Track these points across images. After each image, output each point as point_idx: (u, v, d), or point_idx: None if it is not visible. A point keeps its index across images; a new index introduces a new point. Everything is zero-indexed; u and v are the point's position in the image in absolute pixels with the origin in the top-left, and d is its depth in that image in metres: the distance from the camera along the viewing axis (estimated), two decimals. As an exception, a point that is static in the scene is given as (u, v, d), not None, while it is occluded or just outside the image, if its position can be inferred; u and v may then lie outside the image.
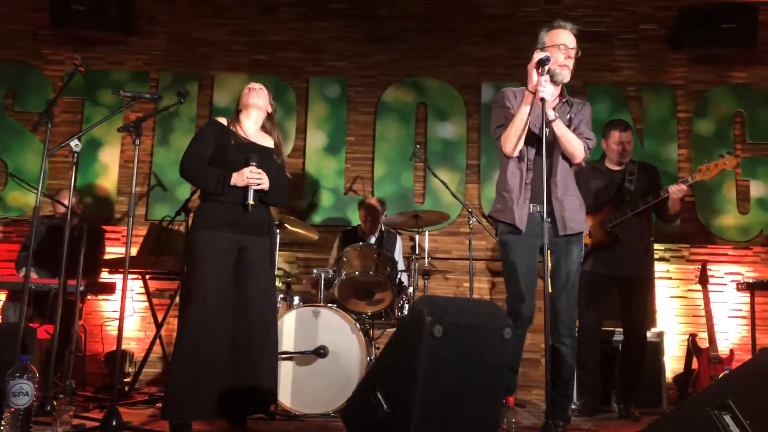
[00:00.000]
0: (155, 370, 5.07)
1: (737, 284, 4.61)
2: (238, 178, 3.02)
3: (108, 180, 5.50)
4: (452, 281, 5.32)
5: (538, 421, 3.55)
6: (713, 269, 5.09)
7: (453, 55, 5.66)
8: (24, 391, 2.41)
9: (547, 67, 2.86)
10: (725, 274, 5.26)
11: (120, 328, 3.04)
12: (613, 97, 5.56)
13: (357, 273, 4.01)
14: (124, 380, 4.57)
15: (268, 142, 3.27)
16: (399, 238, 4.94)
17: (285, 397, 3.62)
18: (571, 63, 3.05)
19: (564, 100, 3.14)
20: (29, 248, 3.26)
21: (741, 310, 5.16)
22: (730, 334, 5.14)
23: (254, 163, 3.04)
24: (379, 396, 2.35)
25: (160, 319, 4.53)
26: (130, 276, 4.52)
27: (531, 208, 3.03)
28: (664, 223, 4.28)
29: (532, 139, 3.02)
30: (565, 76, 3.05)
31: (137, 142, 3.09)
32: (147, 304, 4.76)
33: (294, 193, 5.39)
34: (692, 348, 4.53)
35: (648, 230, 4.17)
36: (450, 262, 5.30)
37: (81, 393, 4.15)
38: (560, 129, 2.98)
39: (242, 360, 2.97)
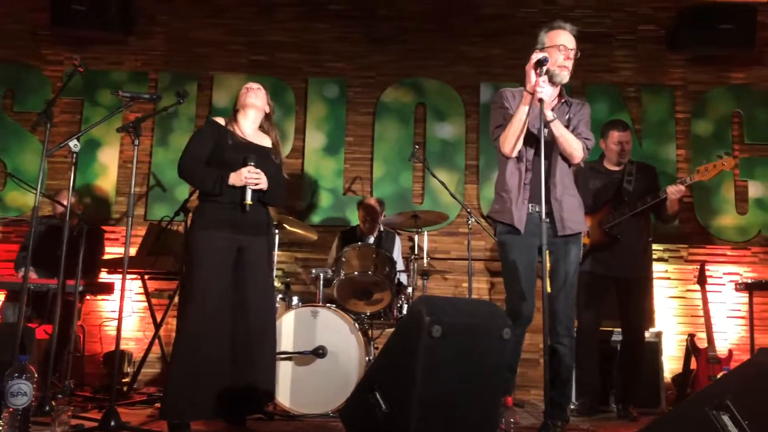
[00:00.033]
0: (154, 371, 5.07)
1: (736, 284, 4.62)
2: (236, 178, 3.02)
3: (107, 180, 5.49)
4: (451, 281, 5.32)
5: (536, 421, 3.55)
6: (712, 269, 5.10)
7: (452, 56, 5.67)
8: (22, 391, 2.41)
9: (545, 68, 2.87)
10: (724, 274, 5.26)
11: (119, 329, 3.04)
12: (611, 98, 5.56)
13: (356, 273, 4.02)
14: (123, 380, 4.57)
15: (266, 141, 3.26)
16: (398, 238, 4.95)
17: (284, 397, 3.62)
18: (570, 64, 3.05)
19: (563, 101, 3.14)
20: (28, 248, 3.26)
21: (739, 310, 5.16)
22: (729, 335, 5.15)
23: (252, 163, 3.03)
24: (378, 396, 2.35)
25: (159, 319, 4.52)
26: (129, 276, 4.53)
27: (530, 208, 3.04)
28: (662, 223, 4.28)
29: (531, 139, 3.02)
30: (564, 77, 3.06)
31: (136, 142, 3.09)
32: (146, 304, 4.76)
33: (293, 194, 5.39)
34: (691, 348, 4.53)
35: (646, 230, 4.17)
36: (449, 262, 5.30)
37: (80, 393, 4.15)
38: (558, 129, 2.98)
39: (241, 360, 2.97)
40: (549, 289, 2.80)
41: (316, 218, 5.46)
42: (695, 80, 5.60)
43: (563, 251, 3.06)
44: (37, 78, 5.58)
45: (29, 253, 3.25)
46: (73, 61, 3.39)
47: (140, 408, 3.77)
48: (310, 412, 3.61)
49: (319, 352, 3.67)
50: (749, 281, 4.54)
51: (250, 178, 3.02)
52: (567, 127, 3.06)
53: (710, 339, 4.41)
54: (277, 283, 4.26)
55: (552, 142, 3.01)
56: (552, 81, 3.02)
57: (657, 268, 5.16)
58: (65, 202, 3.80)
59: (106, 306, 5.23)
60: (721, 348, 4.54)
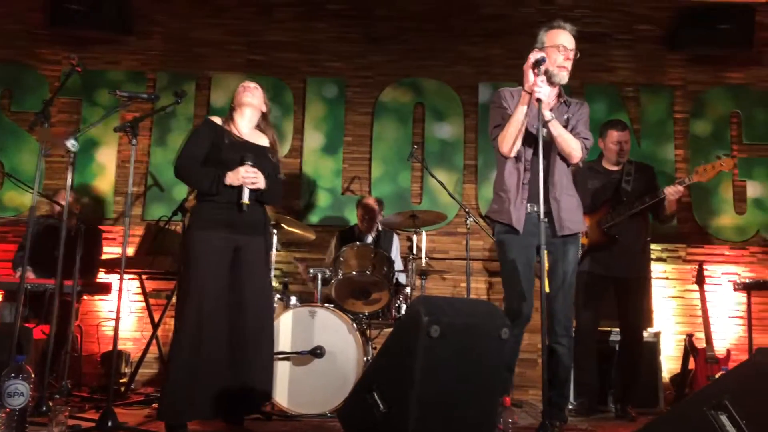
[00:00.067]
0: (152, 371, 5.05)
1: (734, 284, 4.62)
2: (233, 178, 3.01)
3: (105, 180, 5.48)
4: (449, 281, 5.32)
5: (534, 421, 3.54)
6: (710, 269, 5.09)
7: (450, 56, 5.66)
8: (19, 391, 2.40)
9: (543, 68, 2.86)
10: (722, 274, 5.27)
11: (116, 329, 3.03)
12: (610, 98, 5.56)
13: (354, 273, 4.01)
14: (121, 381, 4.57)
15: (262, 140, 3.25)
16: (396, 237, 4.94)
17: (282, 397, 3.62)
18: (569, 64, 3.05)
19: (562, 101, 3.14)
20: (26, 248, 3.25)
21: (738, 310, 5.17)
22: (727, 334, 5.15)
23: (249, 163, 3.02)
24: (376, 396, 2.35)
25: (156, 319, 4.51)
26: (126, 276, 4.54)
27: (528, 208, 3.03)
28: (660, 223, 4.28)
29: (530, 139, 3.02)
30: (563, 77, 3.05)
31: (134, 142, 3.08)
32: (144, 304, 4.75)
33: (291, 193, 5.39)
34: (689, 348, 4.54)
35: (645, 230, 4.17)
36: (447, 262, 5.30)
37: (77, 393, 4.14)
38: (557, 129, 2.98)
39: (238, 360, 2.96)
40: (547, 289, 2.80)
41: (314, 218, 5.46)
42: (694, 80, 5.60)
43: (562, 251, 3.06)
44: (34, 78, 5.57)
45: (26, 253, 3.24)
46: (71, 61, 3.38)
47: (138, 408, 3.76)
48: (308, 412, 3.61)
49: (317, 352, 3.67)
50: (747, 281, 4.54)
51: (248, 177, 3.01)
52: (565, 126, 3.06)
53: (708, 339, 4.41)
54: (275, 283, 4.25)
55: (550, 142, 3.01)
56: (551, 81, 3.02)
57: (655, 268, 5.17)
58: (63, 202, 3.79)
59: (103, 306, 5.22)
60: (720, 348, 4.54)
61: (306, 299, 4.32)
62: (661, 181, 4.29)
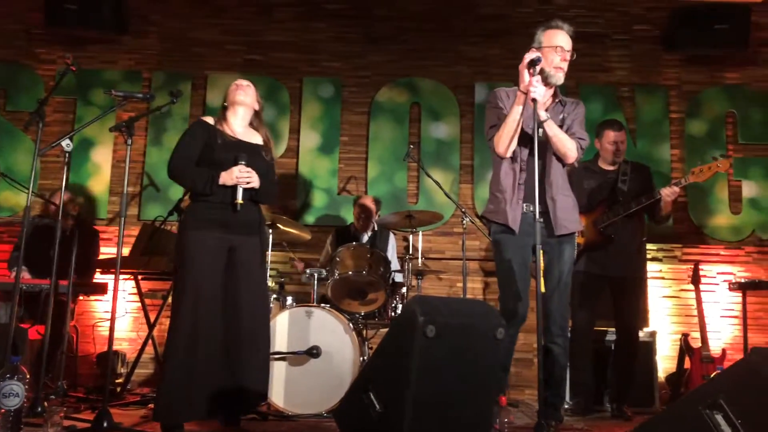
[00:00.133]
0: (147, 371, 5.05)
1: (729, 284, 4.63)
2: (227, 177, 3.00)
3: (100, 180, 5.47)
4: (446, 281, 5.32)
5: (531, 421, 3.54)
6: (705, 269, 5.10)
7: (447, 56, 5.66)
8: (14, 392, 2.39)
9: (538, 68, 2.87)
10: (717, 274, 5.28)
11: (111, 329, 3.02)
12: (606, 98, 5.57)
13: (350, 273, 4.01)
14: (116, 381, 4.55)
15: (256, 139, 3.23)
16: (392, 236, 4.94)
17: (278, 397, 3.62)
18: (565, 65, 3.05)
19: (557, 100, 3.14)
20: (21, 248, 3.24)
21: (733, 309, 5.18)
22: (722, 334, 5.16)
23: (243, 162, 3.01)
24: (372, 396, 2.35)
25: (152, 319, 4.51)
26: (122, 276, 4.53)
27: (524, 208, 3.04)
28: (655, 224, 4.29)
29: (525, 139, 3.02)
30: (560, 78, 3.06)
31: (129, 141, 3.07)
32: (139, 304, 4.74)
33: (287, 193, 5.39)
34: (684, 347, 4.55)
35: (640, 230, 4.18)
36: (443, 262, 5.30)
37: (73, 394, 4.13)
38: (552, 129, 2.98)
39: (234, 360, 2.96)
40: (543, 289, 2.80)
41: (310, 218, 5.45)
42: (689, 80, 5.61)
43: (557, 251, 3.06)
44: (30, 77, 5.56)
45: (21, 253, 3.23)
46: (66, 60, 3.37)
47: (133, 409, 3.75)
48: (304, 413, 3.61)
49: (313, 352, 3.66)
50: (743, 281, 4.56)
51: (241, 177, 3.00)
52: (561, 126, 3.06)
53: (704, 338, 4.42)
54: (271, 283, 4.25)
55: (546, 142, 3.01)
56: (547, 82, 3.02)
57: (651, 267, 5.17)
58: (58, 202, 3.78)
59: (99, 306, 5.21)
60: (715, 347, 4.55)
61: (302, 299, 4.31)
62: (657, 181, 4.30)
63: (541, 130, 2.89)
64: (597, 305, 4.10)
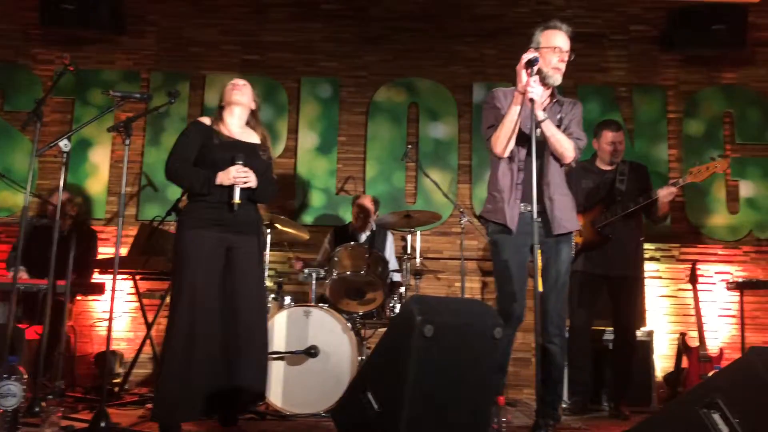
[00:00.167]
0: (145, 371, 5.04)
1: (727, 283, 4.65)
2: (224, 177, 2.99)
3: (98, 180, 5.47)
4: (444, 281, 5.33)
5: (529, 421, 3.55)
6: (703, 269, 5.11)
7: (445, 56, 5.67)
8: (12, 392, 2.40)
9: (535, 68, 2.87)
10: (715, 273, 5.28)
11: (109, 329, 3.03)
12: (603, 98, 5.58)
13: (348, 273, 4.01)
14: (114, 381, 4.55)
15: (253, 138, 3.22)
16: (390, 236, 4.94)
17: (276, 396, 3.62)
18: (563, 66, 3.05)
19: (555, 100, 3.14)
20: (18, 248, 3.24)
21: (730, 309, 5.18)
22: (720, 333, 5.17)
23: (240, 162, 3.01)
24: (370, 396, 2.35)
25: (150, 319, 4.50)
26: (120, 276, 4.53)
27: (522, 207, 3.04)
28: (652, 223, 4.30)
29: (523, 139, 3.02)
30: (557, 79, 3.06)
31: (127, 142, 3.07)
32: (137, 304, 4.74)
33: (285, 193, 5.38)
34: (682, 347, 4.56)
35: (638, 230, 4.18)
36: (441, 261, 5.30)
37: (71, 394, 4.12)
38: (550, 129, 2.98)
39: (232, 360, 2.95)
40: (541, 289, 2.80)
41: (308, 218, 5.45)
42: (687, 80, 5.62)
43: (555, 250, 3.06)
44: (27, 77, 5.55)
45: (19, 253, 3.23)
46: (63, 60, 3.37)
47: (131, 409, 3.75)
48: (302, 412, 3.61)
49: (312, 352, 3.66)
50: (740, 280, 4.57)
51: (238, 176, 3.00)
52: (559, 126, 3.06)
53: (701, 338, 4.43)
54: (269, 283, 4.25)
55: (544, 142, 3.01)
56: (544, 82, 3.02)
57: (649, 267, 5.18)
58: (57, 203, 3.78)
59: (97, 306, 5.21)
60: (712, 347, 4.56)
61: (300, 299, 4.32)
62: (655, 181, 4.31)
63: (538, 130, 2.89)
64: (595, 305, 4.10)
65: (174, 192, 5.12)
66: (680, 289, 5.24)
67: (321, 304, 3.90)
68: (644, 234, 4.35)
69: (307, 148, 5.56)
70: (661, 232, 5.24)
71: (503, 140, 2.99)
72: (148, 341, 4.49)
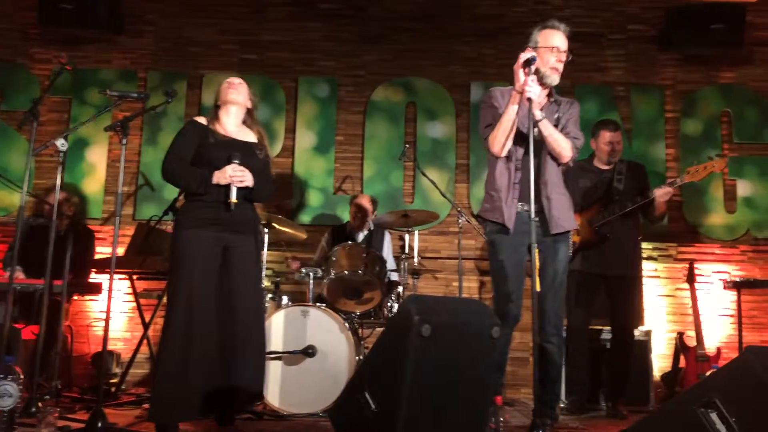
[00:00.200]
0: (142, 371, 5.03)
1: (724, 283, 4.65)
2: (220, 177, 2.99)
3: (95, 180, 5.46)
4: (442, 281, 5.32)
5: (526, 420, 3.55)
6: (700, 268, 5.12)
7: (443, 55, 5.66)
8: (8, 392, 2.39)
9: (533, 67, 2.87)
10: (712, 272, 5.28)
11: (106, 329, 3.01)
12: (601, 97, 5.58)
13: (346, 272, 4.01)
14: (111, 381, 4.54)
15: (249, 137, 3.21)
16: (387, 235, 4.94)
17: (273, 396, 3.61)
18: (561, 66, 3.05)
19: (552, 100, 3.14)
20: (15, 248, 3.23)
21: (728, 308, 5.19)
22: (717, 333, 5.17)
23: (236, 161, 3.00)
24: (367, 396, 2.34)
25: (147, 319, 4.49)
26: (117, 276, 4.51)
27: (519, 207, 3.04)
28: (650, 223, 4.30)
29: (520, 138, 3.02)
30: (555, 79, 3.06)
31: (124, 141, 3.06)
32: (134, 304, 4.73)
33: (283, 193, 5.38)
34: (680, 346, 4.56)
35: (636, 229, 4.18)
36: (439, 261, 5.30)
37: (67, 394, 4.12)
38: (547, 129, 2.98)
39: (229, 360, 2.95)
40: (538, 288, 2.80)
41: (306, 217, 5.45)
42: (685, 80, 5.62)
43: (552, 250, 3.06)
44: (25, 76, 5.54)
45: (15, 253, 3.22)
46: (61, 60, 3.36)
47: (128, 409, 3.75)
48: (300, 412, 3.60)
49: (309, 352, 3.66)
50: (737, 280, 4.57)
51: (235, 176, 2.99)
52: (556, 126, 3.06)
53: (699, 337, 4.43)
54: (266, 283, 4.24)
55: (541, 142, 3.01)
56: (542, 82, 3.02)
57: (646, 266, 5.18)
58: (53, 202, 3.77)
59: (94, 306, 5.20)
60: (710, 346, 4.56)
61: (298, 299, 4.31)
62: (653, 181, 4.31)
63: (536, 129, 2.89)
64: (592, 304, 4.10)
65: (171, 191, 5.10)
66: (678, 289, 5.25)
67: (318, 304, 3.89)
68: (642, 233, 4.35)
69: (305, 147, 5.56)
70: (658, 232, 5.24)
71: (501, 139, 2.99)
72: (145, 341, 4.48)
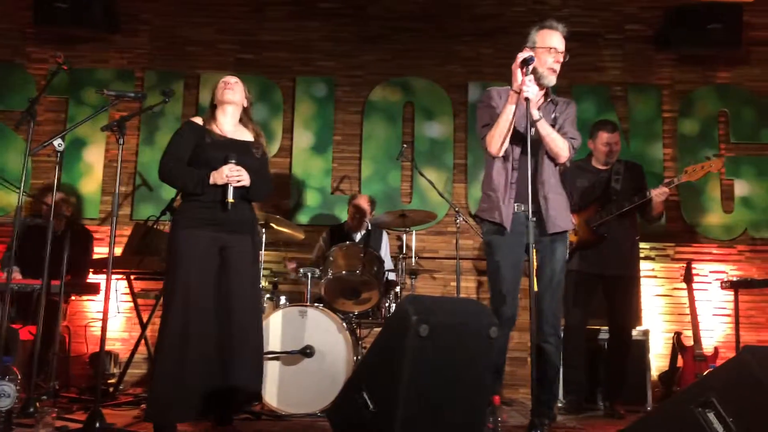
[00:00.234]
0: (140, 371, 5.02)
1: (721, 282, 4.65)
2: (217, 177, 2.98)
3: (92, 179, 5.45)
4: (439, 280, 5.32)
5: (524, 420, 3.55)
6: (698, 268, 5.12)
7: (440, 55, 5.66)
8: (5, 393, 2.39)
9: (531, 67, 2.87)
10: (710, 272, 5.29)
11: (103, 329, 3.01)
12: (599, 97, 5.58)
13: (343, 272, 4.01)
14: (109, 381, 4.53)
15: (246, 136, 3.20)
16: (385, 235, 4.94)
17: (271, 396, 3.61)
18: (558, 67, 3.06)
19: (549, 100, 3.15)
20: (12, 248, 3.23)
21: (725, 308, 5.19)
22: (715, 332, 5.18)
23: (233, 161, 3.00)
24: (365, 396, 2.34)
25: (145, 319, 4.49)
26: (114, 276, 4.50)
27: (515, 207, 3.04)
28: (647, 223, 4.31)
29: (518, 138, 3.02)
30: (552, 80, 3.06)
31: (121, 141, 3.05)
32: (132, 304, 4.72)
33: (280, 193, 5.37)
34: (677, 346, 4.57)
35: (633, 229, 4.19)
36: (437, 261, 5.30)
37: (65, 394, 4.11)
38: (545, 129, 2.98)
39: (227, 360, 2.94)
40: (536, 288, 2.80)
41: (303, 217, 5.44)
42: (682, 80, 5.62)
43: (549, 250, 3.06)
44: (21, 76, 5.53)
45: (12, 254, 3.21)
46: (57, 59, 3.35)
47: (126, 409, 3.74)
48: (298, 412, 3.60)
49: (307, 352, 3.66)
50: (735, 279, 4.58)
51: (231, 175, 2.98)
52: (553, 126, 3.07)
53: (696, 337, 4.44)
54: (264, 283, 4.24)
55: (539, 141, 3.01)
56: (539, 83, 3.03)
57: (644, 266, 5.18)
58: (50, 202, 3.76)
59: (92, 306, 5.19)
60: (707, 346, 4.57)
61: (296, 299, 4.31)
62: (650, 181, 4.31)
63: (533, 129, 2.89)
64: (590, 304, 4.11)
65: (168, 191, 5.09)
66: (675, 288, 5.25)
67: (316, 304, 3.89)
68: (639, 233, 4.36)
69: (303, 147, 5.55)
70: (656, 232, 5.24)
71: (498, 139, 2.99)
72: (142, 341, 4.47)
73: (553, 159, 3.08)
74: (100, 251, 5.08)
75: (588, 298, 4.08)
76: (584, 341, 4.16)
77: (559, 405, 3.98)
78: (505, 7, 5.71)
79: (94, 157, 5.47)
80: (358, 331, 4.24)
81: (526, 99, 2.84)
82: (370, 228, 4.79)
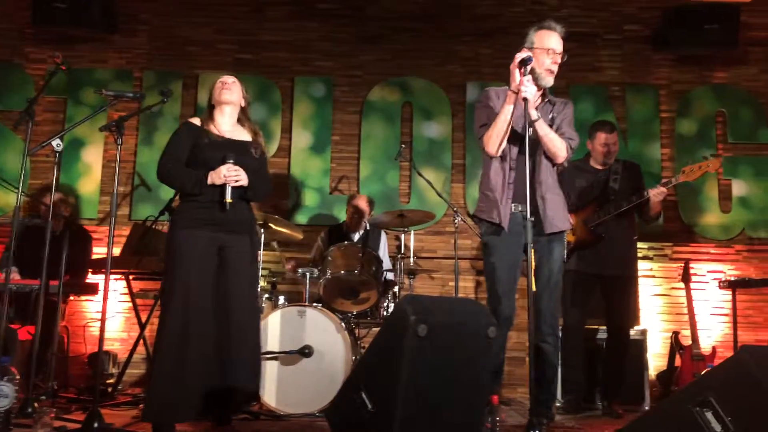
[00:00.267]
0: (139, 371, 5.02)
1: (719, 282, 4.66)
2: (215, 177, 2.98)
3: (91, 180, 5.45)
4: (438, 280, 5.33)
5: (522, 419, 3.55)
6: (696, 267, 5.13)
7: (439, 55, 5.67)
8: (3, 393, 2.39)
9: (529, 67, 2.87)
10: (707, 272, 5.30)
11: (102, 329, 3.01)
12: (596, 97, 5.59)
13: (342, 272, 4.01)
14: (108, 381, 4.53)
15: (244, 136, 3.19)
16: (384, 235, 4.94)
17: (270, 396, 3.61)
18: (555, 68, 3.06)
19: (546, 100, 3.15)
20: (10, 248, 3.23)
21: (723, 307, 5.20)
22: (713, 332, 5.19)
23: (231, 161, 3.00)
24: (364, 396, 2.35)
25: (143, 319, 4.49)
26: (113, 276, 4.51)
27: (513, 207, 3.04)
28: (645, 223, 4.31)
29: (515, 138, 3.03)
30: (549, 81, 3.07)
31: (119, 141, 3.05)
32: (131, 304, 4.72)
33: (279, 193, 5.38)
34: (675, 345, 4.58)
35: (631, 229, 4.20)
36: (435, 261, 5.30)
37: (64, 395, 4.11)
38: (542, 129, 2.99)
39: (225, 359, 2.94)
40: (534, 288, 2.81)
41: (302, 218, 5.45)
42: (680, 80, 5.63)
43: (547, 249, 3.07)
44: (19, 76, 5.52)
45: (11, 254, 3.21)
46: (55, 59, 3.35)
47: (125, 409, 3.74)
48: (296, 412, 3.60)
49: (306, 352, 3.66)
50: (732, 279, 4.59)
51: (229, 176, 2.98)
52: (551, 126, 3.07)
53: (694, 336, 4.45)
54: (263, 283, 4.24)
55: (536, 142, 3.02)
56: (537, 84, 3.03)
57: (642, 266, 5.19)
58: (49, 202, 3.76)
59: (90, 306, 5.19)
60: (705, 345, 4.58)
61: (294, 299, 4.31)
62: (648, 181, 4.32)
63: (531, 129, 2.89)
64: (588, 304, 4.11)
65: (167, 192, 5.10)
66: (673, 288, 5.26)
67: (315, 304, 3.89)
68: (637, 233, 4.37)
69: (301, 147, 5.56)
70: (654, 231, 5.25)
71: (496, 139, 3.00)
72: (141, 341, 4.47)
73: (550, 159, 3.09)
74: (98, 251, 5.07)
75: (586, 297, 4.09)
76: (582, 341, 4.16)
77: (558, 404, 3.98)
78: (504, 7, 5.71)
79: (93, 157, 5.47)
80: (356, 331, 4.24)
81: (524, 99, 2.84)
82: (368, 228, 4.79)
